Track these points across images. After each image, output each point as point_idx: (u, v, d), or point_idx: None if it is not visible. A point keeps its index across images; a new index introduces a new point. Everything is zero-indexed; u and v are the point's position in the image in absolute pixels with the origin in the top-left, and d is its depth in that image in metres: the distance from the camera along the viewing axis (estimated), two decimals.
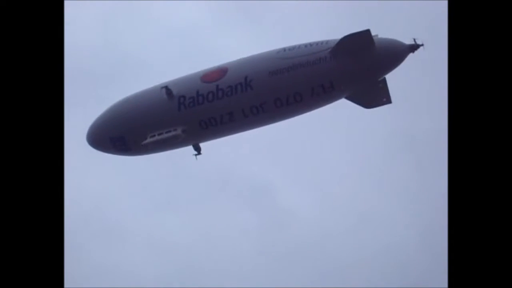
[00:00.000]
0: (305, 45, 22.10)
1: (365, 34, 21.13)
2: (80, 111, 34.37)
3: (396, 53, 21.79)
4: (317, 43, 22.06)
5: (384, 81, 22.28)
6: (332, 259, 41.73)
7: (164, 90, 22.39)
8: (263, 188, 45.94)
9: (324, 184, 44.30)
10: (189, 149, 23.74)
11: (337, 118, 32.66)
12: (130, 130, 22.89)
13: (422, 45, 21.59)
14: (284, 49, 22.18)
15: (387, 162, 42.95)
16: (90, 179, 45.09)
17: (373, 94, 22.30)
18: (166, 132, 22.18)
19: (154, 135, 22.31)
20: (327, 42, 22.03)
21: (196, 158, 23.61)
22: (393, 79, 22.70)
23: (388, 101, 22.41)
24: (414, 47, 21.62)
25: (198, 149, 23.49)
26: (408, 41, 22.02)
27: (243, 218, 44.90)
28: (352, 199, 43.22)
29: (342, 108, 23.35)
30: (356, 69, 21.56)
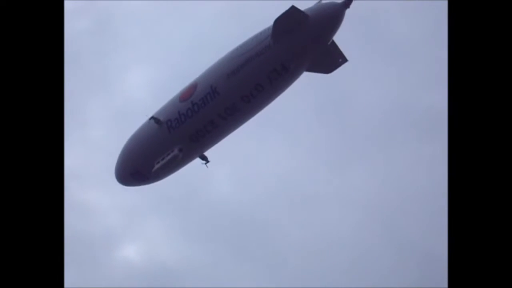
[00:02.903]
0: (252, 38, 23.19)
1: (292, 11, 21.92)
2: None
3: (331, 15, 22.37)
4: (261, 33, 23.03)
5: (334, 43, 22.93)
6: None
7: (152, 120, 24.53)
8: (435, 115, 45.07)
9: None
10: None
11: None
12: (141, 164, 25.20)
13: None
14: (237, 48, 23.37)
15: None
16: (264, 156, 46.97)
17: (328, 59, 23.08)
18: (167, 155, 24.25)
19: (159, 161, 24.43)
20: (269, 28, 22.85)
21: (207, 166, 25.65)
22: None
23: (344, 60, 23.12)
24: (347, 3, 22.18)
25: (205, 158, 25.54)
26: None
27: (426, 150, 44.62)
28: None
29: None
30: (299, 44, 22.38)
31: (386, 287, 40.91)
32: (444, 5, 16.44)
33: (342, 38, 22.66)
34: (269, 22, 22.55)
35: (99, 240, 48.06)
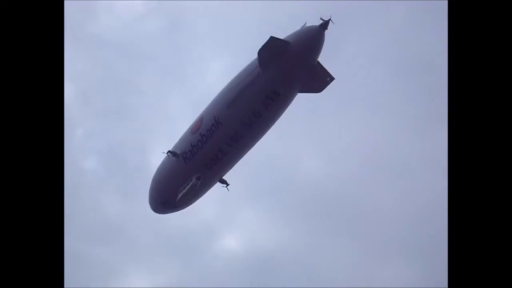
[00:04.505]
0: (244, 69, 24.94)
1: (273, 41, 23.48)
2: None
3: (312, 38, 23.69)
4: (251, 63, 24.69)
5: (319, 64, 24.27)
6: None
7: (170, 154, 26.70)
8: None
9: None
10: None
11: None
12: (167, 194, 27.32)
13: (330, 19, 23.22)
14: (233, 79, 25.23)
15: None
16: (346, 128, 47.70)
17: (316, 80, 24.51)
18: (187, 185, 26.30)
19: (181, 191, 26.52)
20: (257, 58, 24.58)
21: (228, 189, 27.54)
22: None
23: (331, 78, 24.48)
24: (324, 25, 23.32)
25: (224, 182, 27.44)
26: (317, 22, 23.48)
27: None
28: None
29: None
30: (285, 70, 23.88)
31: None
32: (444, 5, 16.50)
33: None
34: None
35: (198, 234, 48.98)
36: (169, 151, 26.92)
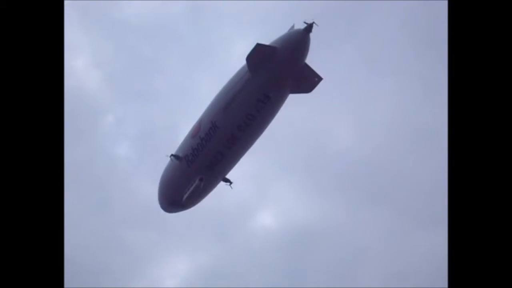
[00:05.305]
0: (236, 74, 25.95)
1: (259, 48, 24.38)
2: None
3: (297, 42, 24.50)
4: (242, 67, 25.63)
5: (307, 65, 25.10)
6: None
7: (173, 157, 27.91)
8: None
9: None
10: None
11: None
12: (174, 195, 28.55)
13: (313, 22, 23.88)
14: (226, 84, 26.33)
15: None
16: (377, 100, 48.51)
17: (305, 80, 25.38)
18: (191, 186, 27.41)
19: (186, 192, 27.68)
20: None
21: (231, 187, 28.56)
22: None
23: (319, 78, 25.32)
24: (308, 29, 24.03)
25: (227, 181, 28.54)
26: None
27: None
28: None
29: None
30: (274, 73, 24.85)
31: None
32: (444, 5, 16.54)
33: None
34: None
35: (233, 212, 49.12)
36: (172, 155, 28.02)
